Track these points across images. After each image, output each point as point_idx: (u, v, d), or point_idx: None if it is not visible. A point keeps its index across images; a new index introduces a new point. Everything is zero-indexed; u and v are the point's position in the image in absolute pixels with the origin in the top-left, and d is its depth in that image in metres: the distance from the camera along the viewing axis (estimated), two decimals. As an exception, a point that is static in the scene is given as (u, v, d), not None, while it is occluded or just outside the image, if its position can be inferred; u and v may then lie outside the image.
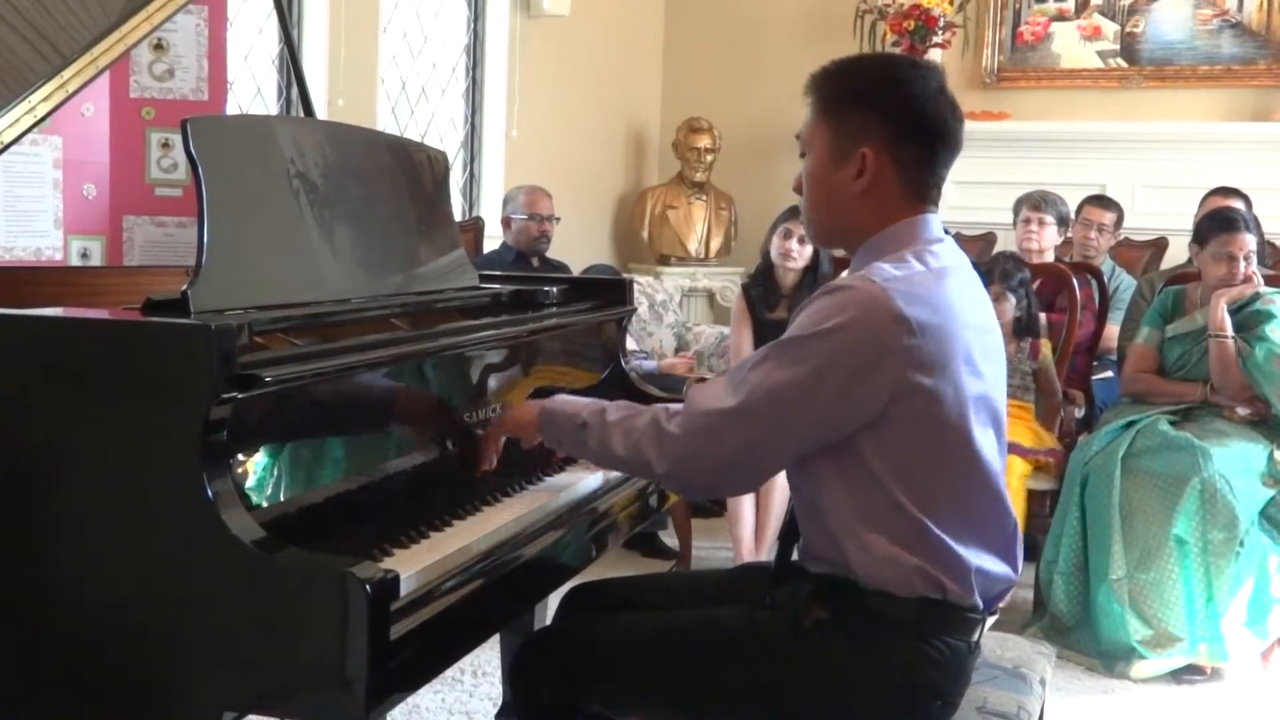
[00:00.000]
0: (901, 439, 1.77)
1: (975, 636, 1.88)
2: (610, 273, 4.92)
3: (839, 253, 3.92)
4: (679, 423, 1.83)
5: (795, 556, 1.96)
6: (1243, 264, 3.81)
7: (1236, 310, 3.79)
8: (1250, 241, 3.84)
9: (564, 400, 2.02)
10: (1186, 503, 3.50)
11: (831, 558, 1.85)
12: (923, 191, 1.88)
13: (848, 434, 1.77)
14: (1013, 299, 4.11)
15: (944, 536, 1.79)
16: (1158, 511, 3.54)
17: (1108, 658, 3.58)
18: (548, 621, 2.37)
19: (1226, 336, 3.74)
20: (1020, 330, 4.14)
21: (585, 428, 1.93)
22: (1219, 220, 3.94)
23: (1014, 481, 3.88)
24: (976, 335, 1.84)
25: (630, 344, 2.95)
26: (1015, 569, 1.91)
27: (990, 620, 1.93)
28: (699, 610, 2.02)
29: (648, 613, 2.07)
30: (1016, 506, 3.71)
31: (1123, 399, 4.09)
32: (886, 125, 1.84)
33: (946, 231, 1.93)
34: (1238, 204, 4.69)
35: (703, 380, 4.74)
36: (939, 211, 1.92)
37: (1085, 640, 3.65)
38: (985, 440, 1.83)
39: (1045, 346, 4.22)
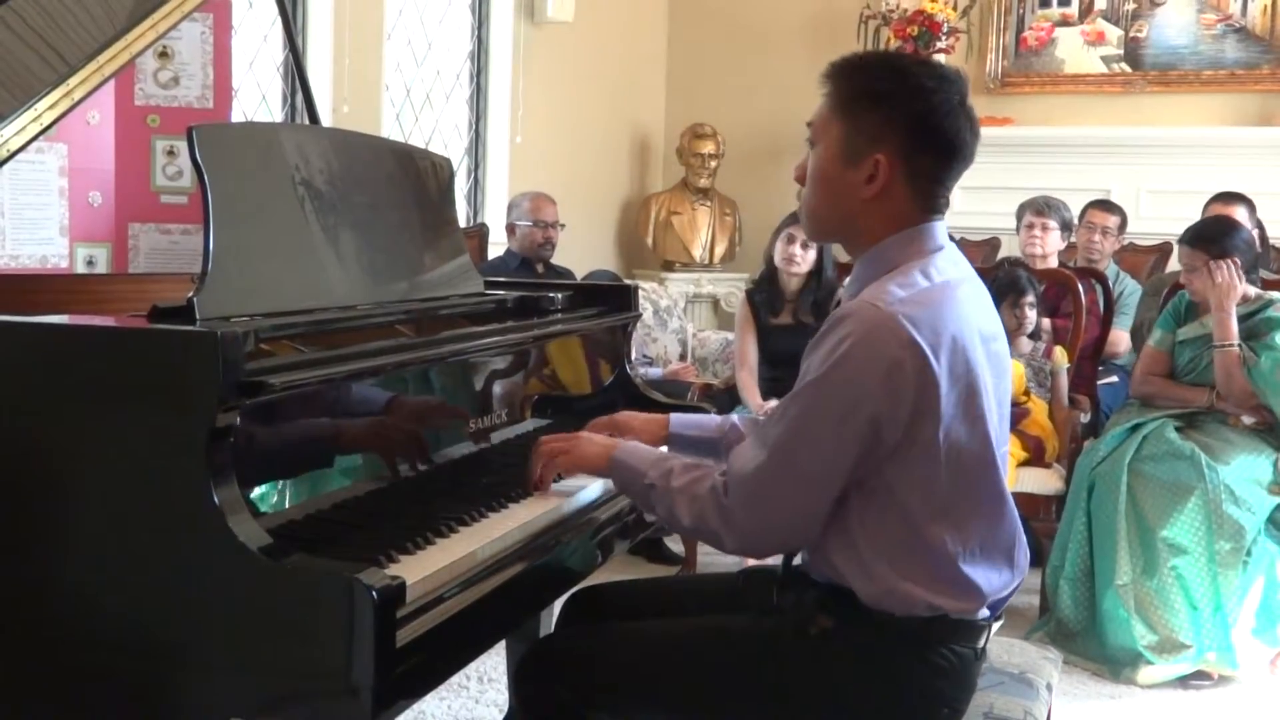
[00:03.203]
0: (926, 459, 1.75)
1: (981, 643, 1.88)
2: (610, 279, 4.92)
3: (843, 258, 3.92)
4: (731, 494, 1.81)
5: (798, 561, 1.96)
6: (1210, 273, 3.74)
7: (1247, 316, 3.77)
8: (1202, 254, 3.77)
9: (633, 451, 2.00)
10: (1189, 512, 3.51)
11: (834, 575, 1.84)
12: (932, 202, 1.86)
13: (878, 462, 1.76)
14: (1036, 308, 4.26)
15: (957, 559, 1.79)
16: (1161, 518, 3.54)
17: (1114, 663, 3.57)
18: (551, 627, 2.37)
19: (1231, 346, 3.72)
20: (1033, 334, 4.29)
21: (652, 489, 1.91)
22: (1184, 234, 3.94)
23: (1009, 472, 3.87)
24: (985, 343, 1.83)
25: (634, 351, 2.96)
26: (1018, 570, 1.90)
27: (996, 625, 1.93)
28: (704, 617, 2.02)
29: (652, 620, 2.07)
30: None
31: (1131, 401, 4.09)
32: (904, 133, 1.80)
33: (951, 238, 1.93)
34: (1240, 209, 4.68)
35: (708, 387, 4.74)
36: (944, 219, 1.90)
37: (1091, 646, 3.64)
38: (999, 447, 1.84)
39: (1060, 352, 4.24)
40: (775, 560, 1.99)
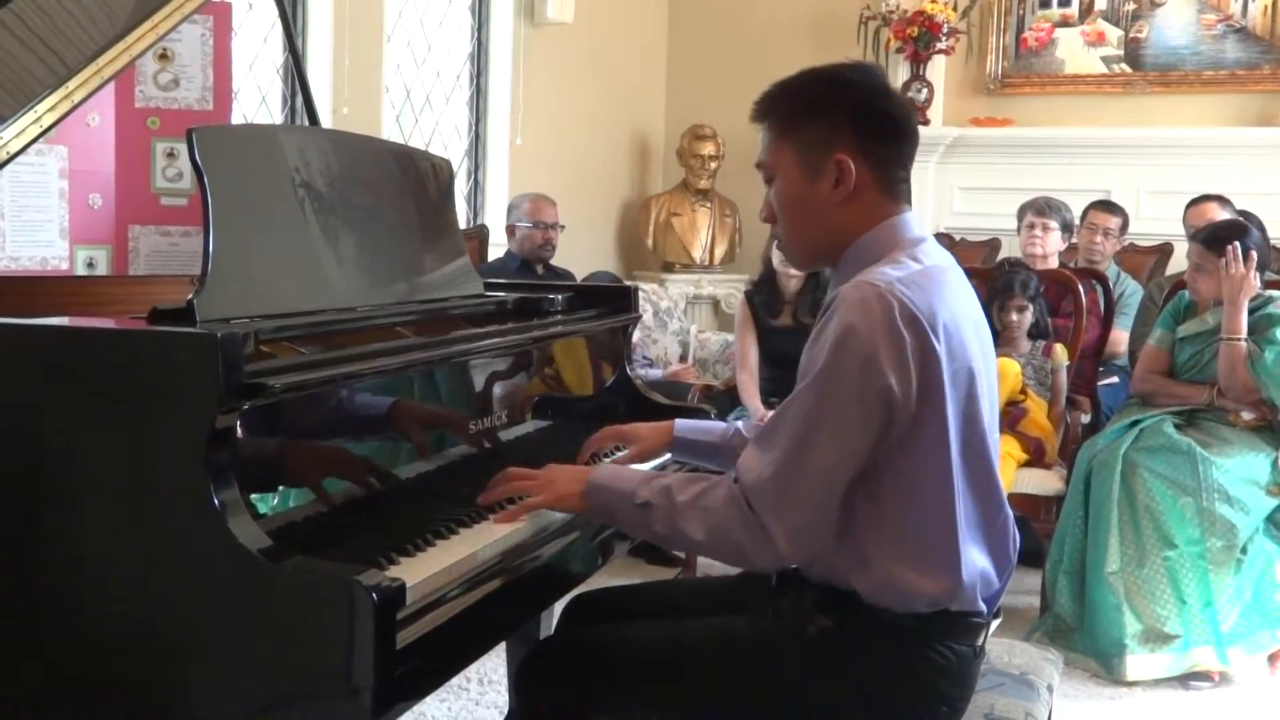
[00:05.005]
0: (934, 440, 1.75)
1: (980, 641, 1.88)
2: (610, 280, 4.92)
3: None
4: (756, 505, 1.74)
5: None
6: (1229, 262, 3.78)
7: (1248, 313, 3.78)
8: (1214, 255, 3.81)
9: (613, 474, 1.93)
10: (1182, 508, 3.52)
11: (830, 575, 1.84)
12: (896, 189, 1.87)
13: (888, 448, 1.74)
14: (1031, 308, 4.25)
15: (955, 541, 1.79)
16: (1154, 510, 3.55)
17: (1105, 656, 3.57)
18: (552, 629, 2.37)
19: (1238, 339, 3.74)
20: (1034, 334, 4.29)
21: (649, 509, 1.83)
22: (1198, 232, 4.01)
23: (1008, 473, 3.89)
24: (975, 329, 1.85)
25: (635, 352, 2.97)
26: (1010, 559, 1.90)
27: (994, 624, 1.93)
28: (704, 619, 2.02)
29: (652, 622, 2.06)
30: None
31: (1131, 399, 4.10)
32: (853, 126, 1.83)
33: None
34: (1214, 206, 4.78)
35: (709, 388, 4.74)
36: (914, 211, 1.90)
37: (1086, 640, 3.64)
38: (991, 431, 1.84)
39: (1060, 350, 4.25)
40: None
